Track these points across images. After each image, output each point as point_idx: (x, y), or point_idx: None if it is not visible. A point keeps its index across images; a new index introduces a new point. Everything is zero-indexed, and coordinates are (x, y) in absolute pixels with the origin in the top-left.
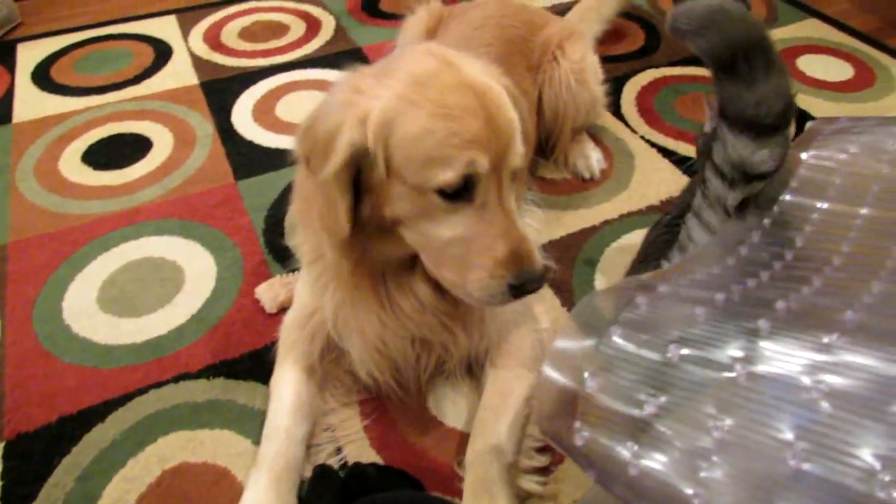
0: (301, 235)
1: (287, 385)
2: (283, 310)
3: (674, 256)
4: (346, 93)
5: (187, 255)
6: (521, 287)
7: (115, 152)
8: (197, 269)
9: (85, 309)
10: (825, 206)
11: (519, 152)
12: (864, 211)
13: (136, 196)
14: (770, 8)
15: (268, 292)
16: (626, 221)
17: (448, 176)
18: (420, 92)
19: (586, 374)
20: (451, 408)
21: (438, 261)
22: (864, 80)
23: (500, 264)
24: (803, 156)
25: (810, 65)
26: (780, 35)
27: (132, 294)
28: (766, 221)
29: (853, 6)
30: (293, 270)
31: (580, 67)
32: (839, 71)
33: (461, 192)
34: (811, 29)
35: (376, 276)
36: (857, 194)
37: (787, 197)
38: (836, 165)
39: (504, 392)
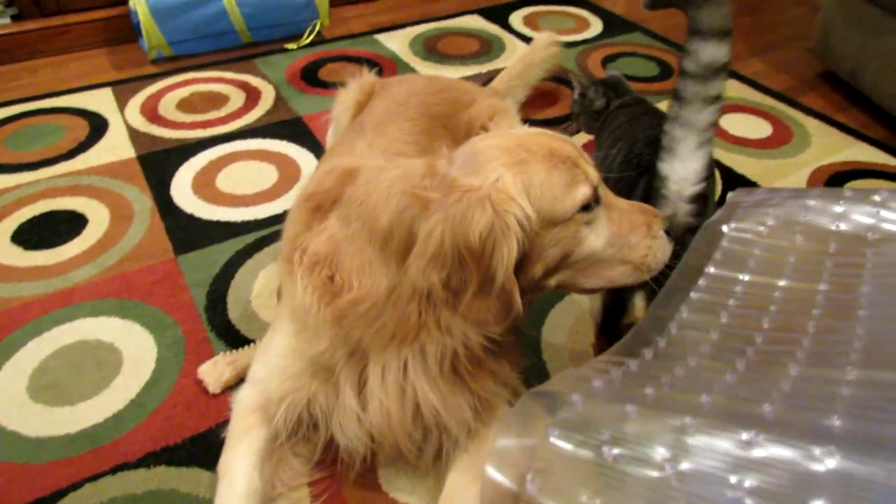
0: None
1: (240, 471)
2: (227, 389)
3: (664, 160)
4: (455, 202)
5: (125, 336)
6: (668, 231)
7: (47, 230)
8: (135, 350)
9: (14, 400)
10: (746, 278)
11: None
12: (782, 283)
13: (70, 276)
14: None
15: (212, 372)
16: None
17: (585, 189)
18: (519, 152)
19: (528, 476)
20: (404, 482)
21: (596, 275)
22: (781, 137)
23: (650, 226)
24: (724, 228)
25: (732, 124)
26: None
27: (66, 381)
28: (694, 296)
29: (768, 67)
30: (243, 345)
31: None
32: (758, 128)
33: (592, 200)
34: (730, 90)
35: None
36: (776, 266)
37: (712, 269)
38: (755, 237)
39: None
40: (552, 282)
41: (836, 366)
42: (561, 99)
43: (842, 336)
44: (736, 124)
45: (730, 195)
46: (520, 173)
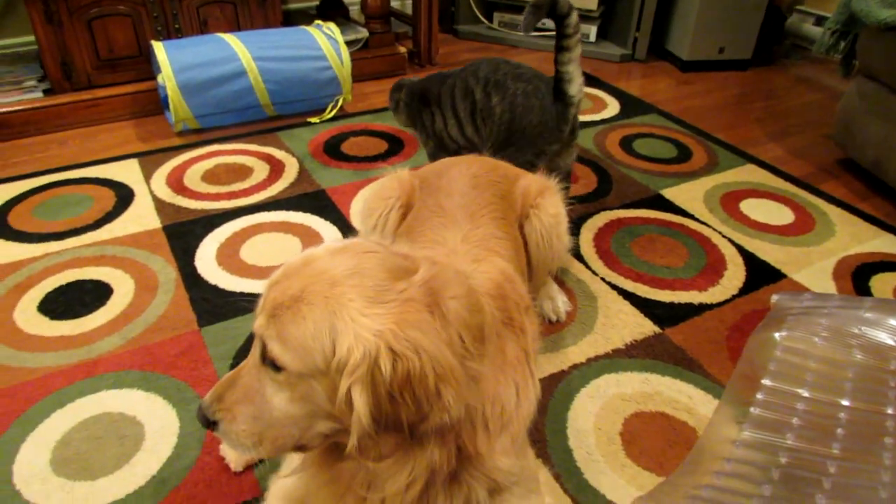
0: None
1: None
2: (250, 467)
3: (569, 85)
4: None
5: (148, 410)
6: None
7: (73, 300)
8: (158, 424)
9: (37, 473)
10: (806, 394)
11: None
12: (845, 402)
13: (95, 346)
14: (710, 153)
15: (233, 450)
16: (594, 365)
17: None
18: None
19: None
20: None
21: None
22: (804, 224)
23: None
24: (776, 336)
25: (753, 208)
26: (723, 179)
27: (88, 454)
28: (755, 411)
29: (786, 153)
30: None
31: (557, 221)
32: (780, 215)
33: None
34: (749, 174)
35: None
36: (835, 383)
37: (768, 381)
38: (810, 349)
39: None
40: None
41: None
42: (582, 177)
43: None
44: (757, 210)
45: (774, 298)
46: None
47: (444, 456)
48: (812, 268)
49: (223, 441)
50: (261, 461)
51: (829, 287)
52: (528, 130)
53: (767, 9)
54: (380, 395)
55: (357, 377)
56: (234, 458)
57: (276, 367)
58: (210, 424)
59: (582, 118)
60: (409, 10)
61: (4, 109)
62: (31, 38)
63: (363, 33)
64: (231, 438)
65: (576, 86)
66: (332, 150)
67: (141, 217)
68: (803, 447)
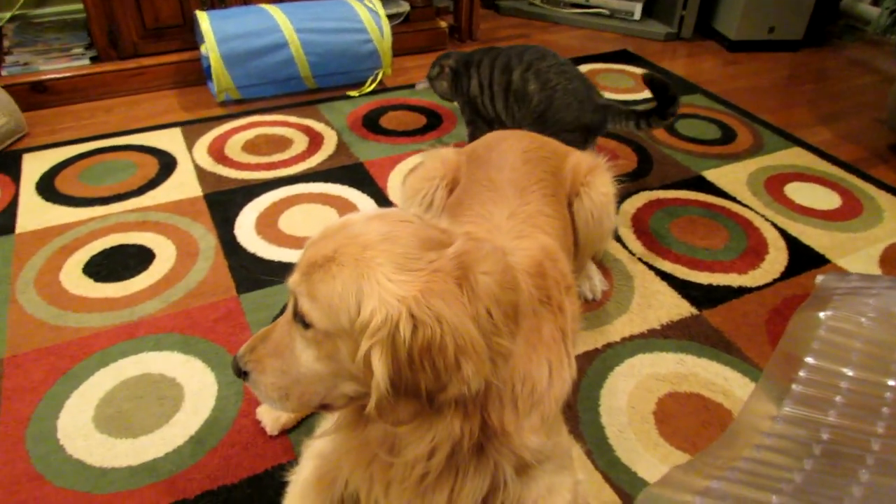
0: None
1: None
2: (285, 432)
3: None
4: None
5: (187, 372)
6: None
7: (116, 264)
8: (196, 386)
9: (80, 429)
10: (851, 373)
11: None
12: (891, 382)
13: (137, 309)
14: (756, 135)
15: (269, 413)
16: (629, 345)
17: None
18: None
19: None
20: None
21: None
22: (851, 210)
23: None
24: (821, 315)
25: (798, 192)
26: (768, 162)
27: (129, 413)
28: (797, 388)
29: (835, 136)
30: None
31: (608, 200)
32: (827, 199)
33: None
34: (796, 157)
35: None
36: (881, 363)
37: (811, 360)
38: (855, 329)
39: None
40: None
41: None
42: (622, 157)
43: None
44: (802, 193)
45: (819, 279)
46: None
47: (467, 429)
48: (858, 254)
49: (253, 392)
50: (295, 426)
51: (876, 273)
52: (557, 126)
53: None
54: (399, 360)
55: (377, 340)
56: (269, 421)
57: (305, 324)
58: (241, 374)
59: (622, 98)
60: None
61: (53, 76)
62: (80, 6)
63: (404, 7)
64: (260, 390)
65: (630, 124)
66: (371, 123)
67: (183, 185)
68: (846, 424)
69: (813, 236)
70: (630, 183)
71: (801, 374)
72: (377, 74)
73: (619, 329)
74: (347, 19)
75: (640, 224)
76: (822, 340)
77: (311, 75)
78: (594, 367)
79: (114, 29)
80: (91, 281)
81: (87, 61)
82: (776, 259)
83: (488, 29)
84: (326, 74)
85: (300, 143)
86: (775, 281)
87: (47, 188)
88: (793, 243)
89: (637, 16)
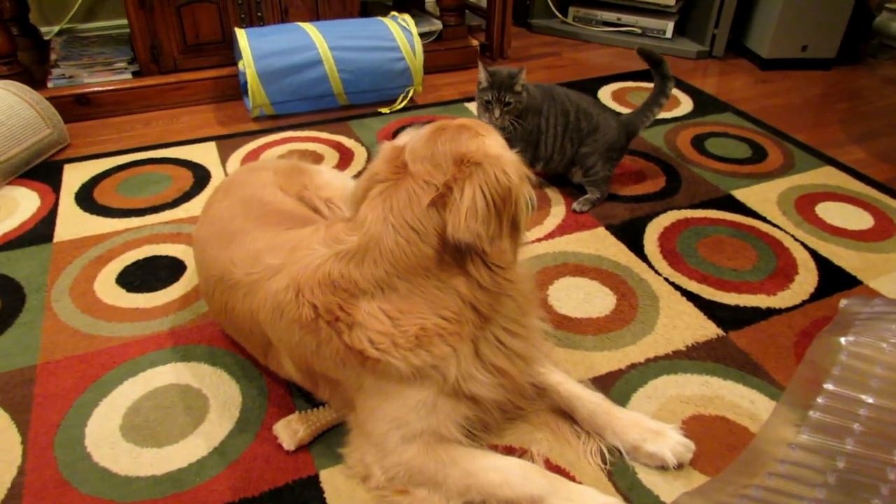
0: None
1: None
2: (302, 447)
3: None
4: (478, 170)
5: (213, 384)
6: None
7: (149, 275)
8: (222, 398)
9: (107, 437)
10: (870, 400)
11: None
12: None
13: (167, 320)
14: (787, 154)
15: (286, 430)
16: (653, 366)
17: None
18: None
19: None
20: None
21: None
22: (884, 230)
23: None
24: (843, 340)
25: (829, 212)
26: (799, 181)
27: (156, 422)
28: (814, 415)
29: (868, 155)
30: (317, 406)
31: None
32: (858, 220)
33: None
34: (827, 176)
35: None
36: None
37: (830, 386)
38: (877, 354)
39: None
40: None
41: None
42: (649, 176)
43: None
44: (833, 213)
45: (843, 303)
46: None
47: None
48: (891, 275)
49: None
50: (312, 442)
51: None
52: (600, 143)
53: (855, 6)
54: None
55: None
56: (286, 438)
57: None
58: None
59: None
60: (483, 3)
61: (96, 89)
62: (124, 21)
63: (437, 25)
64: None
65: (645, 126)
66: None
67: None
68: (863, 453)
69: (844, 257)
70: (657, 202)
71: (820, 400)
72: (408, 92)
73: (643, 350)
74: (381, 38)
75: (667, 243)
76: (842, 366)
77: (343, 92)
78: (617, 387)
79: (156, 44)
80: (123, 291)
81: (129, 75)
82: (806, 280)
83: (520, 47)
84: (359, 91)
85: (331, 158)
86: (804, 302)
87: (86, 198)
88: (823, 264)
89: (669, 34)
